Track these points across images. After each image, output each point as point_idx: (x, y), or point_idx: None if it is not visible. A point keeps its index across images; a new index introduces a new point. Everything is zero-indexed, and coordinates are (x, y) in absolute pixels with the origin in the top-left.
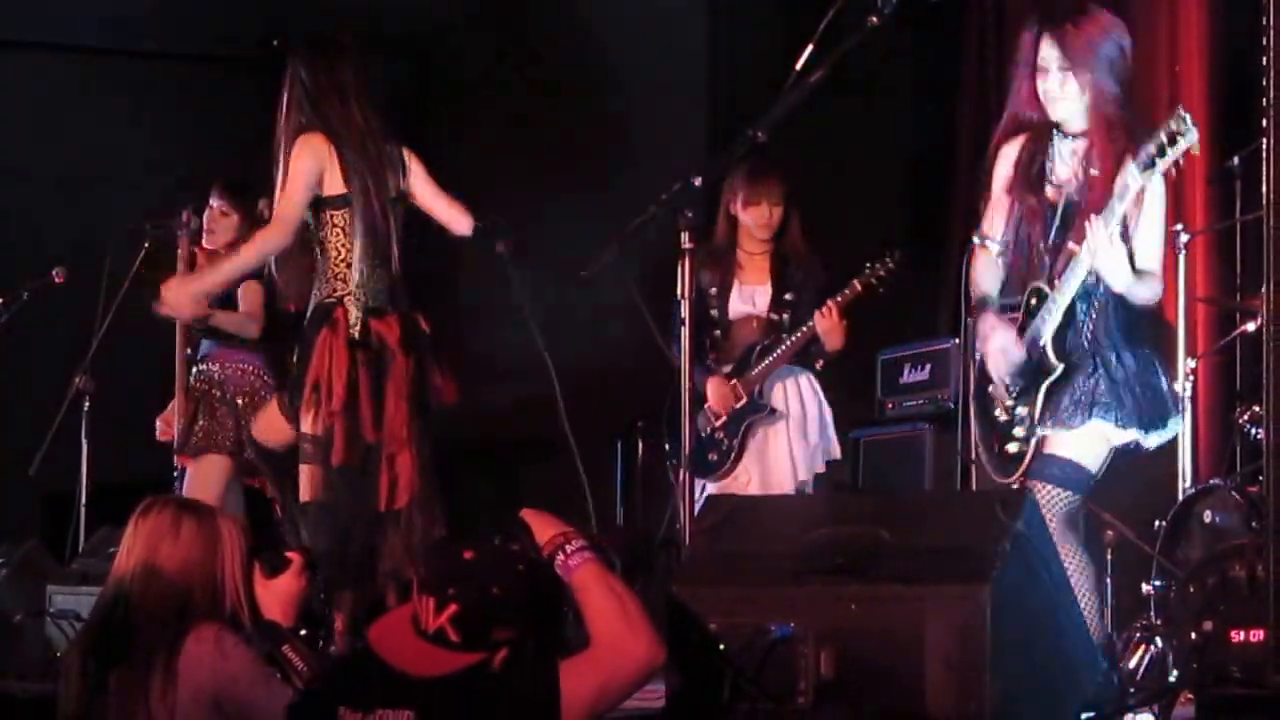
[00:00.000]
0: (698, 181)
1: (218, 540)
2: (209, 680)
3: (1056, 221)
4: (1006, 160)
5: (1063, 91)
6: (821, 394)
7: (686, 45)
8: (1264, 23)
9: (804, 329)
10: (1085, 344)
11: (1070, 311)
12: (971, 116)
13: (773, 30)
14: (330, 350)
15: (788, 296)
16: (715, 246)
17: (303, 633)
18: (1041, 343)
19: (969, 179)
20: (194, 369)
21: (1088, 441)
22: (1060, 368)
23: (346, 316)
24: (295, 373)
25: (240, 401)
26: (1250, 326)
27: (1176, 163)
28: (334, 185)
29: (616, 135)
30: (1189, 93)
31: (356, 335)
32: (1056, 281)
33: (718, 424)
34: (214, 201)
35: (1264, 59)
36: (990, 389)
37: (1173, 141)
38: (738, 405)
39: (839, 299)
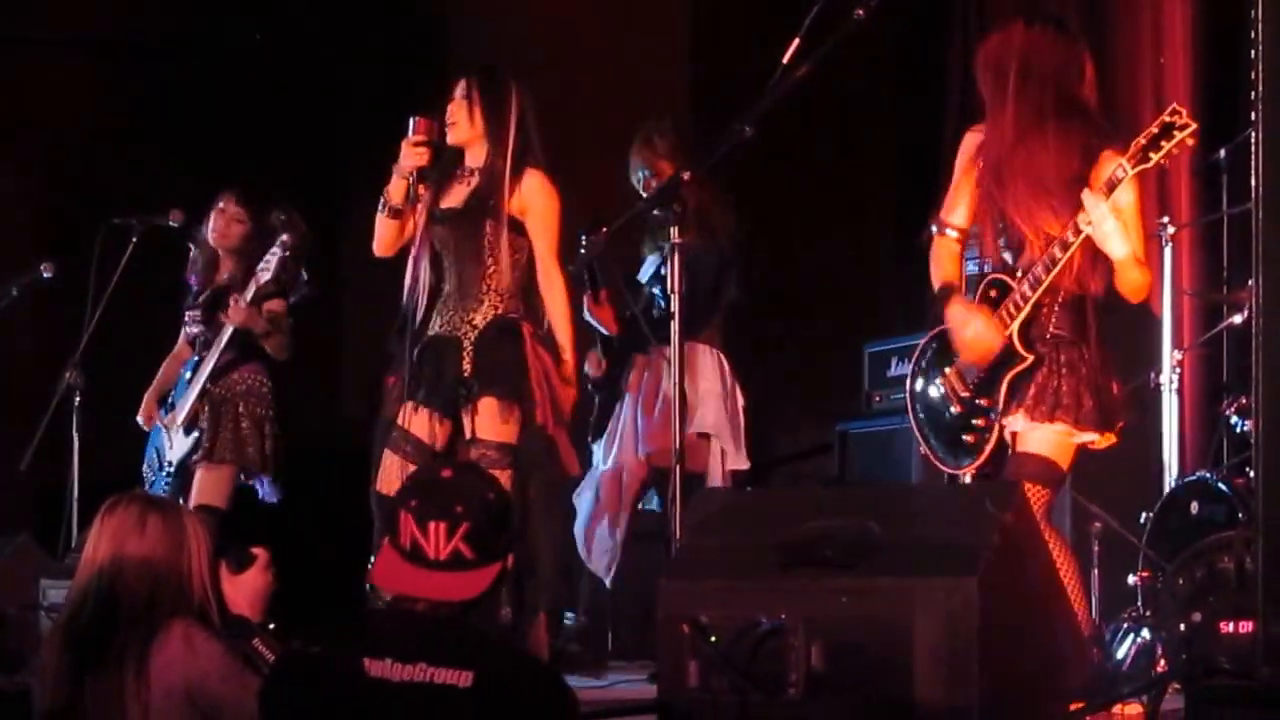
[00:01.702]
0: (685, 176)
1: (184, 536)
2: (180, 676)
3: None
4: (970, 144)
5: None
6: (708, 373)
7: (672, 39)
8: (1251, 15)
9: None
10: (1048, 337)
11: (1037, 305)
12: (956, 109)
13: (758, 24)
14: (543, 359)
15: (662, 271)
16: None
17: (271, 626)
18: (1007, 333)
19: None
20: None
21: (1058, 439)
22: (1029, 360)
23: (536, 333)
24: (486, 374)
25: (259, 412)
26: (1237, 319)
27: (1170, 153)
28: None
29: (603, 129)
30: (1174, 85)
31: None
32: (1021, 276)
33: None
34: (226, 205)
35: (1251, 51)
36: (940, 380)
37: (1167, 134)
38: (596, 375)
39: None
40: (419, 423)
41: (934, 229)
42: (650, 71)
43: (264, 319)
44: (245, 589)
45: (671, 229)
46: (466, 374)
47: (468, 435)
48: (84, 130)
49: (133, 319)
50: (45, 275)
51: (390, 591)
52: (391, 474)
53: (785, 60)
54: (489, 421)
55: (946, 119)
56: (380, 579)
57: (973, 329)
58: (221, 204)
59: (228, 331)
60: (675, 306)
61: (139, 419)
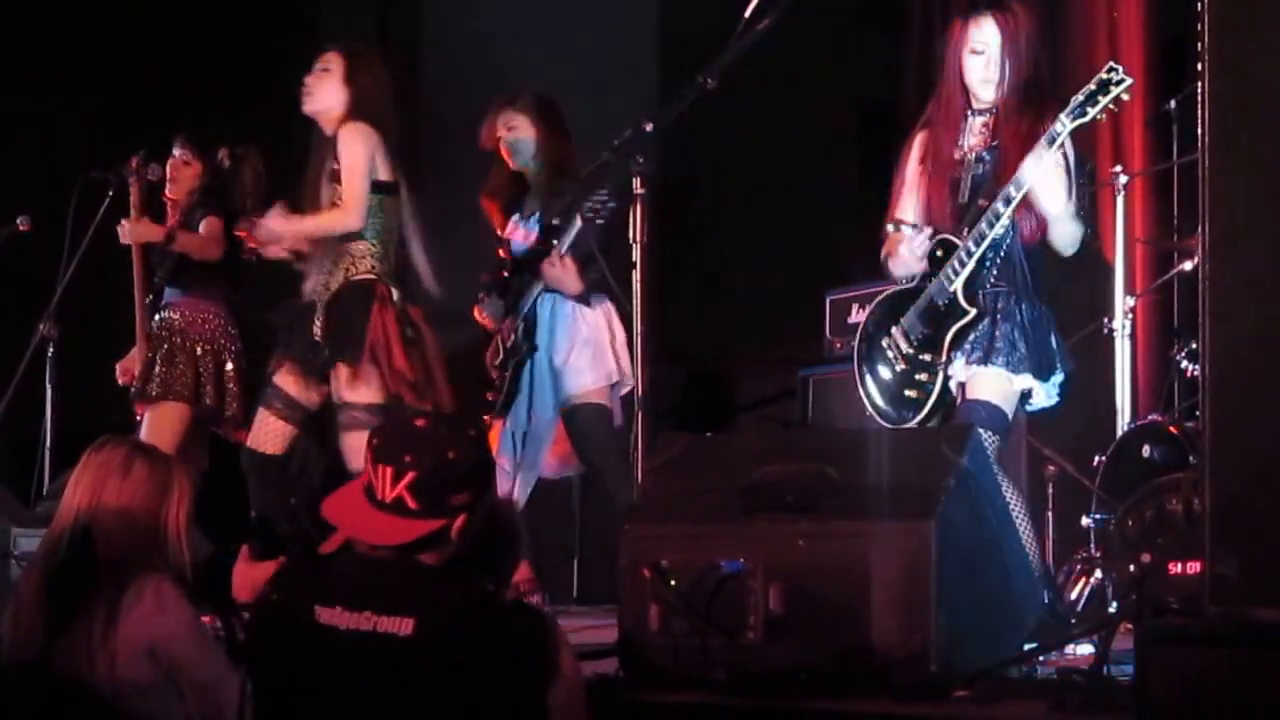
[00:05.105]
0: (649, 127)
1: (167, 487)
2: (145, 631)
3: (967, 185)
4: (919, 145)
5: (994, 71)
6: (599, 321)
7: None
8: None
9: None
10: (988, 289)
11: (980, 261)
12: (916, 59)
13: None
14: (385, 323)
15: (555, 222)
16: (504, 178)
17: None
18: (952, 289)
19: (916, 123)
20: (156, 316)
21: (999, 385)
22: (972, 313)
23: (391, 294)
24: (334, 339)
25: (199, 350)
26: (1187, 266)
27: (1108, 109)
28: (382, 172)
29: (568, 83)
30: (1127, 37)
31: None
32: (967, 233)
33: (494, 363)
34: (176, 151)
35: (1199, 3)
36: (884, 340)
37: (1104, 90)
38: (507, 344)
39: (564, 243)
40: (290, 382)
41: (890, 227)
42: (619, 26)
43: (165, 231)
44: (254, 578)
45: (634, 179)
46: (319, 339)
47: (334, 399)
48: (61, 83)
49: (107, 272)
50: (21, 228)
51: (333, 522)
52: (259, 429)
53: (746, 14)
54: (343, 387)
55: (906, 68)
56: (329, 510)
57: (914, 244)
58: (173, 151)
59: (135, 253)
60: (636, 256)
61: (118, 370)
